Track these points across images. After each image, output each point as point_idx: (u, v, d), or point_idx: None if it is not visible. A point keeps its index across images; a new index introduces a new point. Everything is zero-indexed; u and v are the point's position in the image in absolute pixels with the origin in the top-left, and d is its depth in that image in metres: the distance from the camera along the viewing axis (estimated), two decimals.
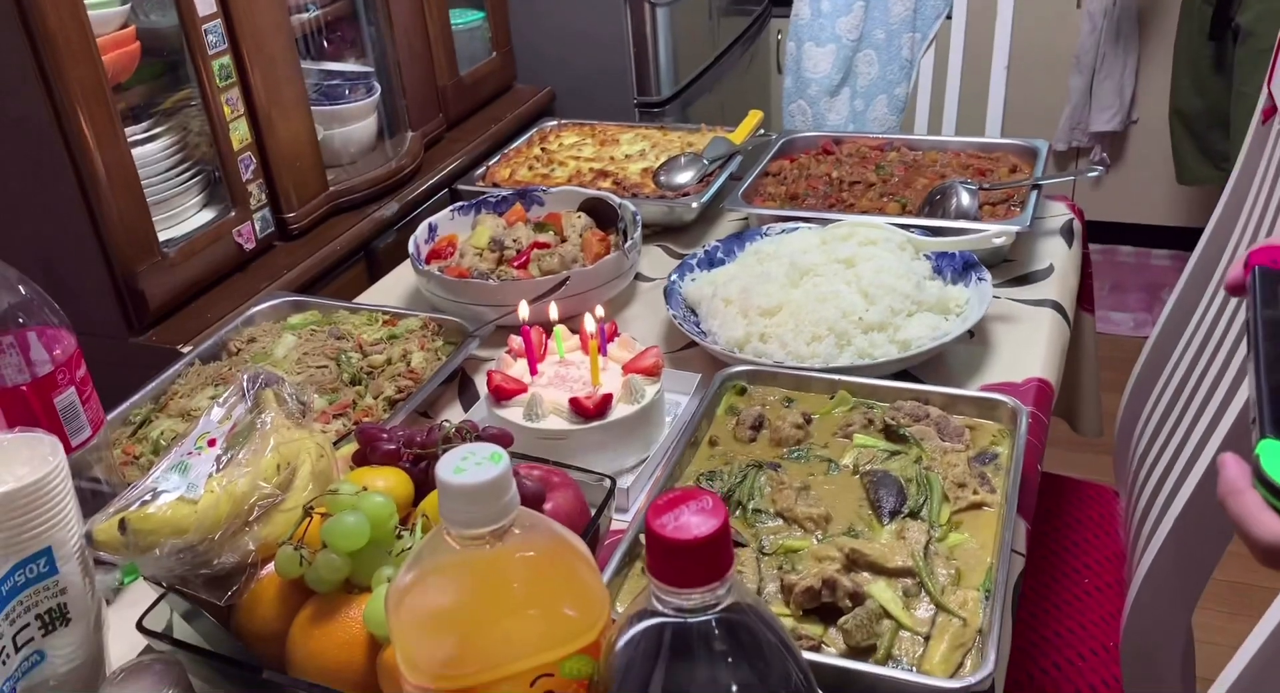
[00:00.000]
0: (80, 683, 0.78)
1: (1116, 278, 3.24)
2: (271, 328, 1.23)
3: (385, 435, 0.85)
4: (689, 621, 0.44)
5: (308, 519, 0.75)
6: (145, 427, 1.07)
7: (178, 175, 1.40)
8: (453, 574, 0.49)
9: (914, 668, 0.77)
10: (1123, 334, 2.94)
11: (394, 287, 1.44)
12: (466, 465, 0.48)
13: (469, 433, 0.84)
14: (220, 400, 0.85)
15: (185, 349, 1.28)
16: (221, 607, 0.76)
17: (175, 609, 0.79)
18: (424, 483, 0.83)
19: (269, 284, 1.42)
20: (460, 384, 1.21)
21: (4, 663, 0.71)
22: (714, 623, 0.44)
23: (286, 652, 0.75)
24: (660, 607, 0.45)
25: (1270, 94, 1.21)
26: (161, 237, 1.36)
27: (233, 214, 1.42)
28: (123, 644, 0.83)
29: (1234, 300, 1.14)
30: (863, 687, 0.76)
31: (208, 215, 1.45)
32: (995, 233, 1.24)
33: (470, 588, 0.48)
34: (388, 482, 0.81)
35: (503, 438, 0.86)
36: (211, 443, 0.79)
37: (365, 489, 0.76)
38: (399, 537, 0.77)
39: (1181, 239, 3.32)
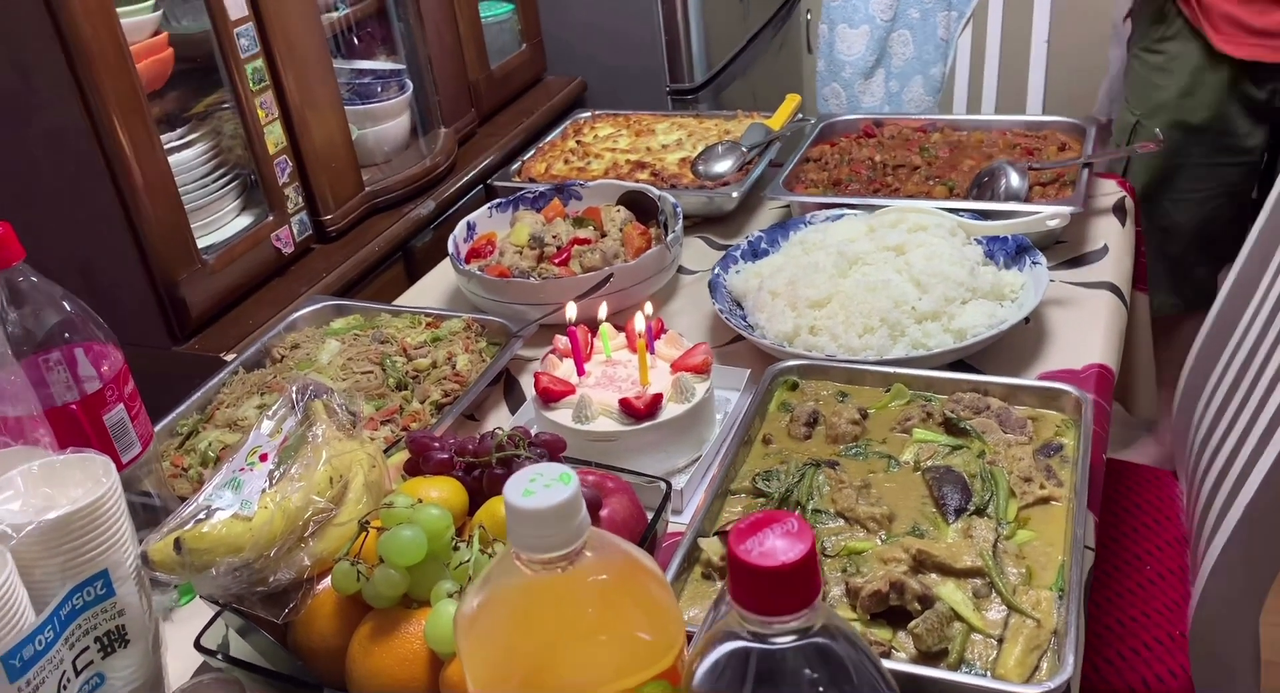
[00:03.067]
0: None
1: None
2: (314, 333, 1.22)
3: (437, 445, 0.84)
4: (777, 647, 0.42)
5: (364, 534, 0.74)
6: (193, 438, 1.07)
7: (214, 181, 1.40)
8: (524, 599, 0.47)
9: (988, 672, 0.74)
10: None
11: (434, 287, 1.43)
12: (535, 487, 0.46)
13: (521, 440, 0.82)
14: (269, 413, 0.84)
15: (229, 357, 1.27)
16: (279, 624, 0.75)
17: (232, 626, 0.78)
18: (478, 492, 0.82)
19: (309, 288, 1.41)
20: (505, 385, 1.19)
21: (64, 688, 0.70)
22: (803, 649, 0.42)
23: (346, 668, 0.74)
24: (744, 632, 0.43)
25: None
26: (200, 244, 1.35)
27: (270, 218, 1.41)
28: (181, 663, 0.82)
29: None
30: (936, 691, 0.74)
31: (245, 220, 1.44)
32: (1049, 215, 1.21)
33: (543, 614, 0.47)
34: (442, 492, 0.80)
35: (555, 444, 0.84)
36: (263, 458, 0.78)
37: (420, 501, 0.75)
38: (455, 548, 0.76)
39: None
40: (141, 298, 1.31)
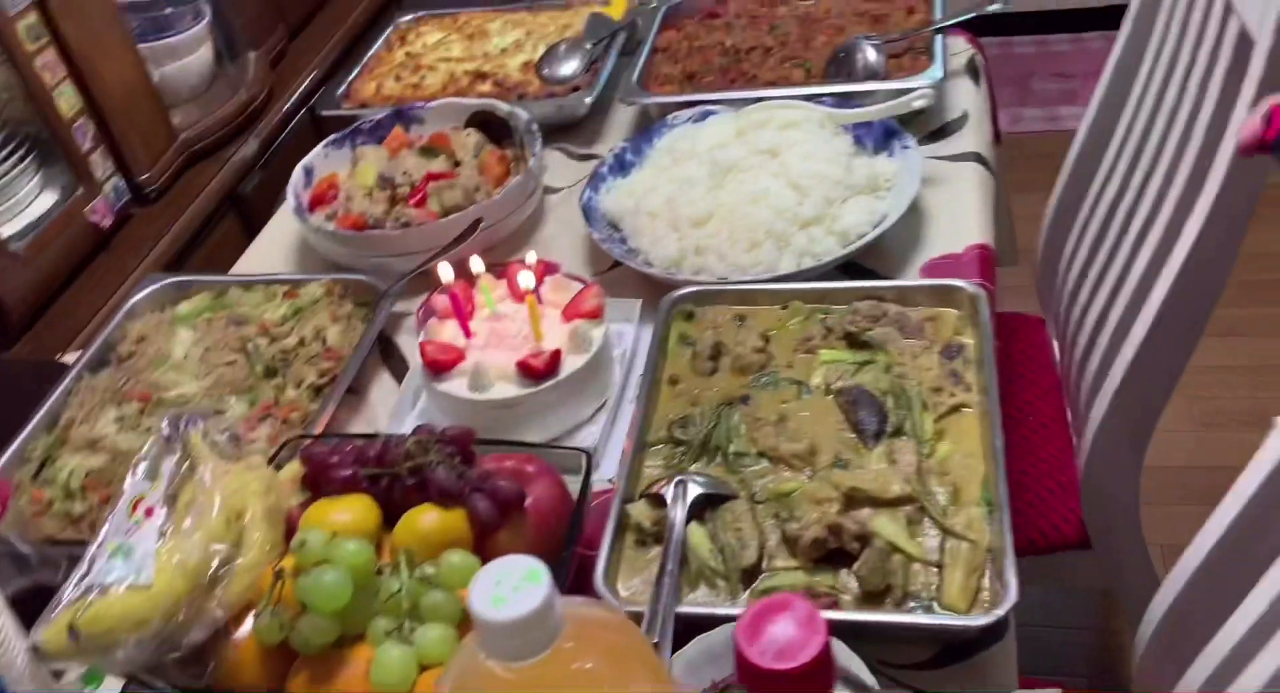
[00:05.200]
0: None
1: (1017, 71, 3.19)
2: (160, 321, 1.11)
3: (336, 459, 0.77)
4: None
5: (279, 582, 0.69)
6: (50, 466, 0.96)
7: (4, 160, 1.23)
8: None
9: (933, 602, 0.76)
10: (1031, 130, 2.92)
11: (277, 240, 1.31)
12: (504, 592, 0.42)
13: (429, 444, 0.76)
14: (143, 453, 0.76)
15: (67, 359, 1.15)
16: (203, 688, 0.70)
17: None
18: (390, 503, 0.77)
19: (138, 262, 1.28)
20: (383, 349, 1.12)
21: None
22: None
23: None
24: None
25: None
26: (4, 233, 1.20)
27: (80, 192, 1.25)
28: None
29: (1176, 103, 1.10)
30: (886, 632, 0.75)
31: (50, 198, 1.27)
32: (916, 95, 1.18)
33: None
34: (353, 515, 0.74)
35: (464, 438, 0.79)
36: (149, 513, 0.71)
37: (335, 535, 0.70)
38: (380, 572, 0.71)
39: (1045, 23, 3.29)
40: None
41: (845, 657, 0.56)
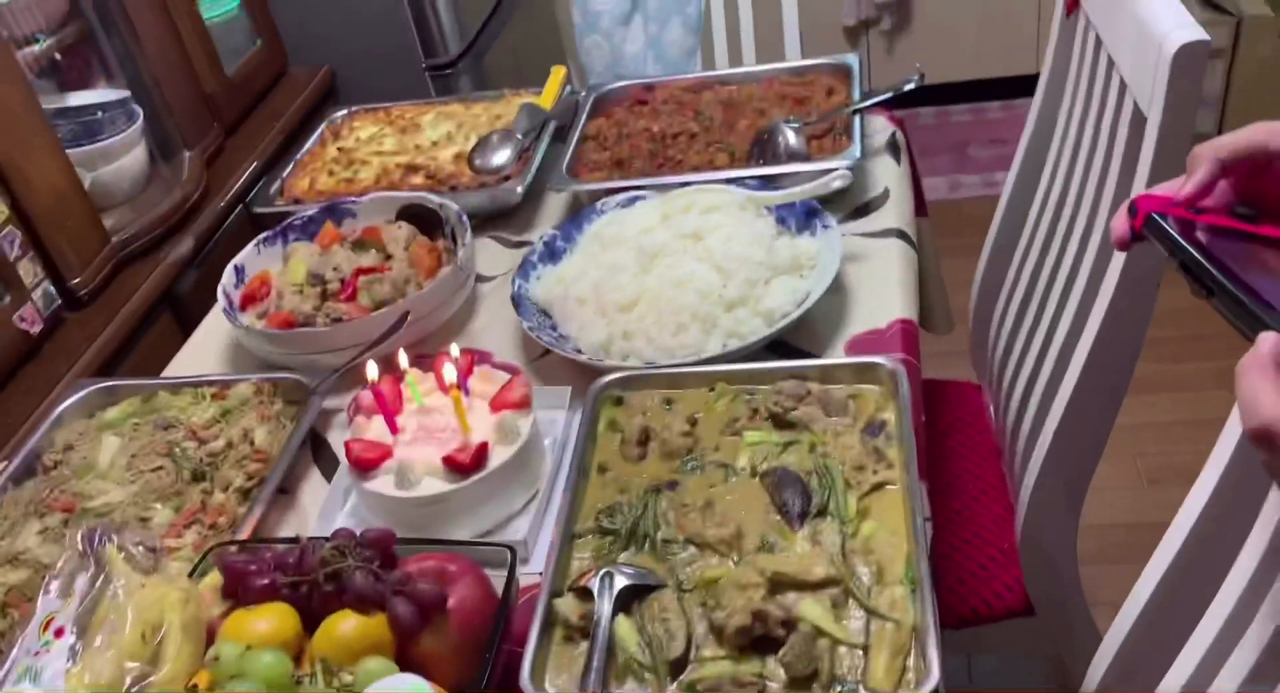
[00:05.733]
0: None
1: (922, 142, 3.29)
2: (87, 428, 1.10)
3: (255, 568, 0.77)
4: None
5: None
6: None
7: None
8: None
9: (859, 685, 0.76)
10: (937, 199, 3.01)
11: (211, 340, 1.31)
12: None
13: (346, 548, 0.76)
14: (54, 571, 0.75)
15: None
16: None
17: None
18: (307, 610, 0.76)
19: (68, 367, 1.27)
20: (314, 446, 1.11)
21: None
22: None
23: None
24: None
25: None
26: None
27: (8, 299, 1.25)
28: None
29: (1085, 170, 1.14)
30: None
31: None
32: (835, 176, 1.21)
33: None
34: (271, 624, 0.74)
35: (383, 540, 0.79)
36: (59, 633, 0.70)
37: (249, 647, 0.69)
38: (299, 683, 0.70)
39: (977, 92, 3.41)
40: None
41: None
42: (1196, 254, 0.57)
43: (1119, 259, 1.01)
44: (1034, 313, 1.29)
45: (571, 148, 1.43)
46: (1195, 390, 2.24)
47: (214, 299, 1.28)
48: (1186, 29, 0.89)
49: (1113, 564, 1.62)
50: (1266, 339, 0.50)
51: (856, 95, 1.42)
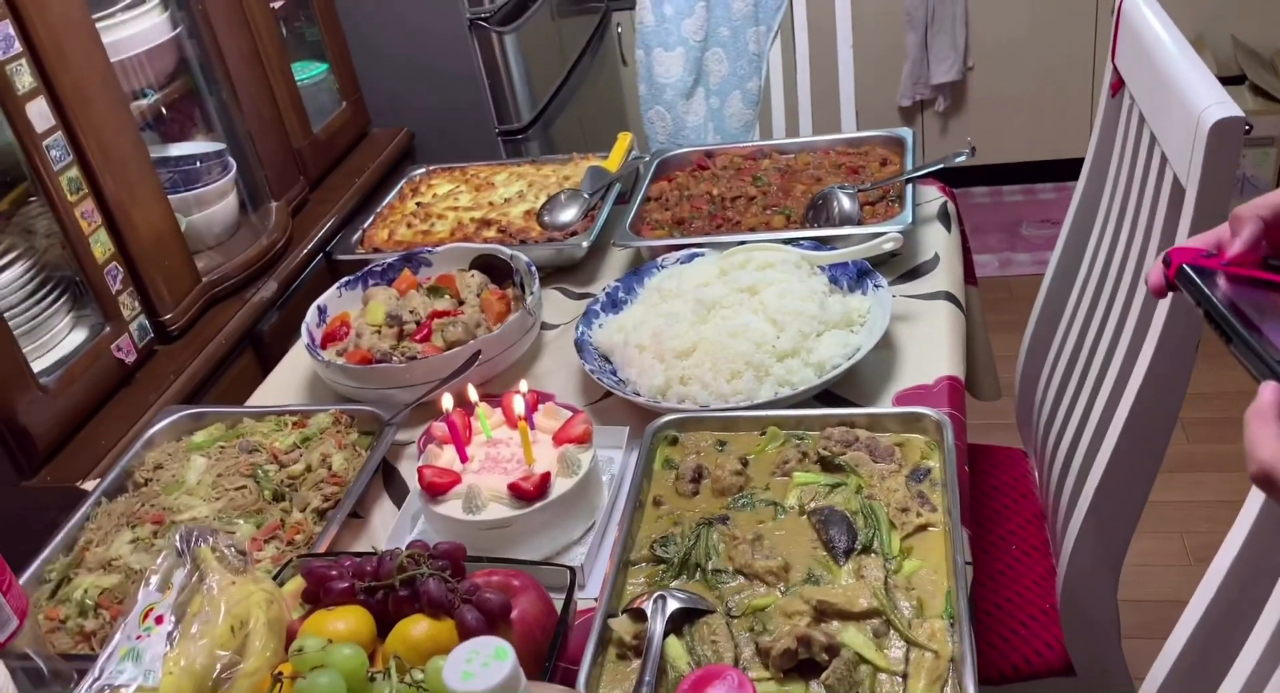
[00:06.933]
0: None
1: (976, 220, 3.36)
2: (176, 449, 1.17)
3: (335, 573, 0.83)
4: None
5: (278, 685, 0.73)
6: (65, 586, 1.01)
7: (40, 300, 1.32)
8: None
9: None
10: (989, 275, 3.06)
11: (291, 375, 1.39)
12: (474, 668, 0.47)
13: (421, 557, 0.82)
14: (154, 566, 0.81)
15: (87, 486, 1.21)
16: None
17: None
18: (384, 614, 0.82)
19: (158, 395, 1.35)
20: (385, 475, 1.18)
21: None
22: None
23: None
24: None
25: (1115, 67, 1.27)
26: (36, 367, 1.28)
27: (108, 330, 1.34)
28: None
29: (1127, 245, 1.19)
30: None
31: (80, 335, 1.37)
32: (886, 239, 1.27)
33: None
34: (349, 624, 0.79)
35: (455, 553, 0.84)
36: (159, 620, 0.76)
37: (331, 641, 0.74)
38: (372, 679, 0.75)
39: (1029, 173, 3.47)
40: None
41: None
42: (1217, 302, 0.61)
43: (1157, 327, 1.06)
44: (1077, 380, 1.33)
45: (635, 207, 1.51)
46: (1243, 470, 2.23)
47: (293, 339, 1.37)
48: (1223, 106, 0.95)
49: (1158, 640, 1.62)
50: (1267, 388, 0.54)
51: (909, 165, 1.49)
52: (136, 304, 1.39)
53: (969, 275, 1.54)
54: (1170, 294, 0.68)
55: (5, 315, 1.23)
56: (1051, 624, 1.34)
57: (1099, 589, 1.26)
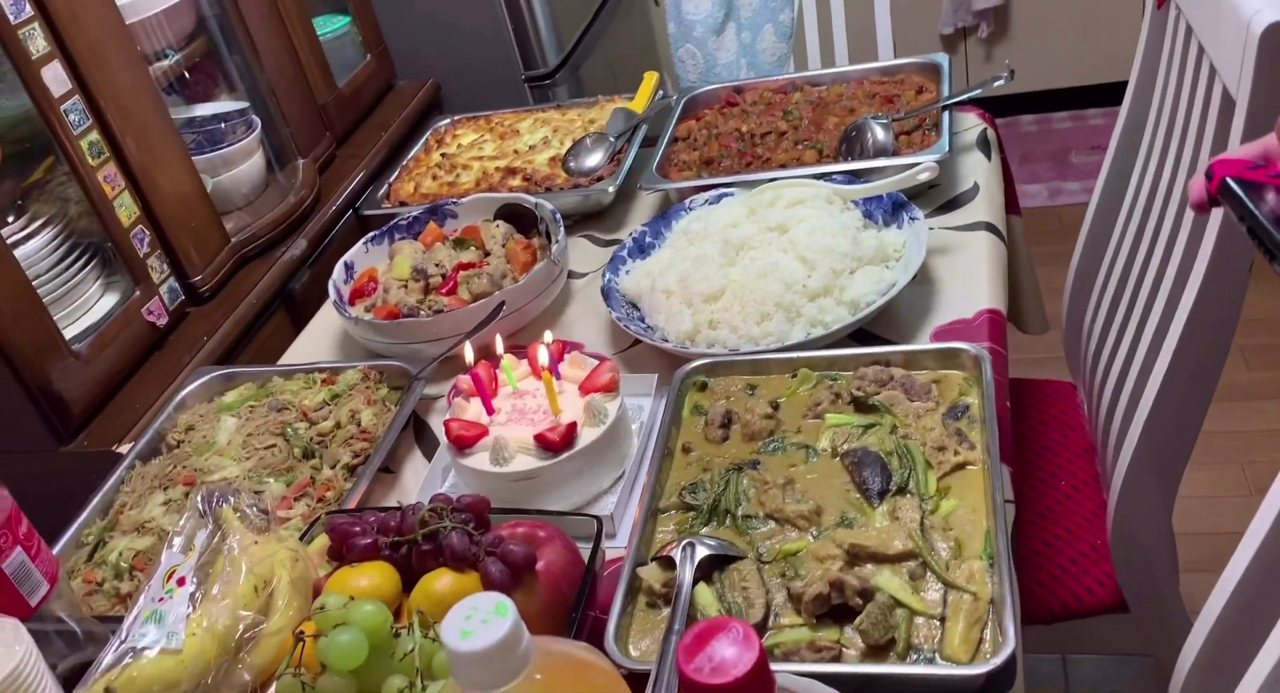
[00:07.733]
0: None
1: (1023, 149, 3.26)
2: (207, 411, 1.17)
3: (358, 529, 0.82)
4: None
5: (300, 644, 0.72)
6: (101, 549, 1.02)
7: (69, 267, 1.33)
8: None
9: (935, 654, 0.77)
10: (1038, 205, 2.97)
11: (322, 332, 1.39)
12: (473, 625, 0.45)
13: (444, 510, 0.81)
14: (177, 528, 0.81)
15: (122, 449, 1.22)
16: None
17: None
18: (408, 569, 0.81)
19: (190, 357, 1.36)
20: (416, 429, 1.17)
21: None
22: None
23: None
24: None
25: None
26: (68, 334, 1.29)
27: (137, 293, 1.35)
28: None
29: (1175, 166, 1.13)
30: (890, 685, 0.76)
31: (111, 300, 1.37)
32: (920, 169, 1.22)
33: None
34: (372, 580, 0.78)
35: (478, 505, 0.83)
36: (181, 582, 0.76)
37: (353, 598, 0.74)
38: (397, 635, 0.75)
39: (1078, 98, 3.35)
40: (15, 403, 1.24)
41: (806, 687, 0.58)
42: (1262, 218, 0.57)
43: (1207, 249, 1.01)
44: (1125, 307, 1.28)
45: (661, 149, 1.47)
46: None
47: (325, 296, 1.36)
48: (1275, 8, 0.89)
49: (1217, 573, 1.58)
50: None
51: (945, 92, 1.43)
52: (165, 267, 1.39)
53: (1011, 205, 1.49)
54: (1214, 210, 0.63)
55: (35, 283, 1.24)
56: (1102, 561, 1.30)
57: (1152, 522, 1.22)
